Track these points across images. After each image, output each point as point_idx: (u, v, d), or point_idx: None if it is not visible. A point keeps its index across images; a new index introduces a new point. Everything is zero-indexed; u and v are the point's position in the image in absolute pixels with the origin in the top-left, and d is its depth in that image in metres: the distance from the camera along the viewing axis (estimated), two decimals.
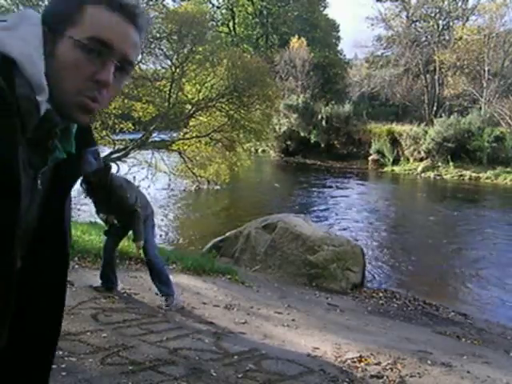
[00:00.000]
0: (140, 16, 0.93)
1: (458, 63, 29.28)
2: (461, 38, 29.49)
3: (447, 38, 31.89)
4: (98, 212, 4.83)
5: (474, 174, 23.06)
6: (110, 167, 4.60)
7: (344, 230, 12.66)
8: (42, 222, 1.00)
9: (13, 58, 0.82)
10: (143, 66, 16.59)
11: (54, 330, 1.08)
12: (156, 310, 4.54)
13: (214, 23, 35.78)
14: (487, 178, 22.55)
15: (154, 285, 4.74)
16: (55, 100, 0.87)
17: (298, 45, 32.88)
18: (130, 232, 4.87)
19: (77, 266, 5.36)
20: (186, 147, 16.33)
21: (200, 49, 15.82)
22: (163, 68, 17.13)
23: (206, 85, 16.25)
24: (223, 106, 16.20)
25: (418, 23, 33.94)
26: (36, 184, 0.93)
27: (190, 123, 17.07)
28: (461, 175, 23.30)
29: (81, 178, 1.11)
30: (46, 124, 0.87)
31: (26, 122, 0.84)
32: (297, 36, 33.67)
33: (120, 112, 15.96)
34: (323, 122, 29.24)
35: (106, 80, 0.88)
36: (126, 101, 15.86)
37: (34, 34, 0.86)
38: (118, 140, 16.41)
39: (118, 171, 15.77)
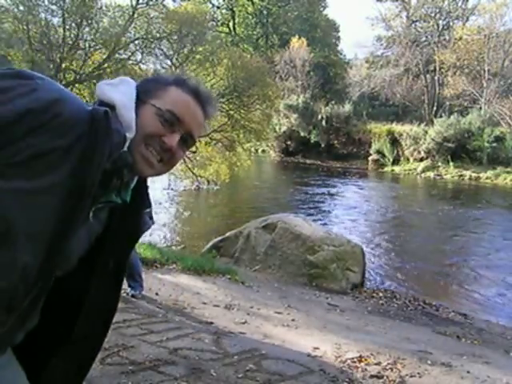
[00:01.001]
0: (209, 104, 1.18)
1: (458, 63, 29.29)
2: (461, 38, 29.50)
3: (447, 37, 31.90)
4: None
5: (474, 174, 23.06)
6: None
7: (344, 230, 12.66)
8: (96, 273, 1.15)
9: (114, 103, 1.05)
10: (143, 66, 16.60)
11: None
12: (156, 310, 4.54)
13: (214, 23, 35.76)
14: (487, 178, 22.55)
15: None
16: (129, 148, 1.06)
17: (298, 45, 32.88)
18: None
19: None
20: None
21: (200, 49, 15.82)
22: (163, 68, 17.13)
23: (205, 85, 16.24)
24: (223, 105, 16.18)
25: (418, 23, 33.96)
26: (88, 214, 1.04)
27: None
28: (461, 175, 23.30)
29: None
30: (121, 161, 1.04)
31: (112, 152, 1.01)
32: (297, 36, 33.67)
33: None
34: (323, 122, 29.25)
35: (171, 144, 1.09)
36: None
37: (130, 91, 1.10)
38: None
39: None
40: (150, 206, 1.20)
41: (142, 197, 1.17)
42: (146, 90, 1.12)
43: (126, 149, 1.05)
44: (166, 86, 1.13)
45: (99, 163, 0.98)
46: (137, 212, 1.16)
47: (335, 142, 29.65)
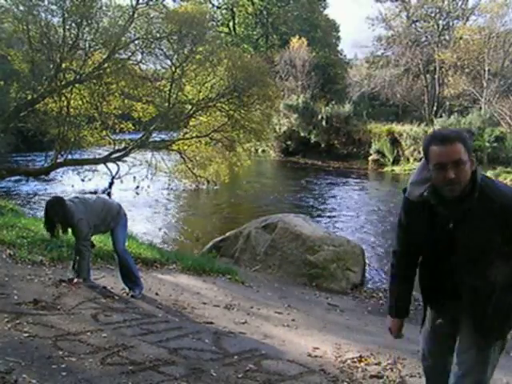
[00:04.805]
0: (447, 140, 1.95)
1: (459, 63, 29.23)
2: (461, 38, 29.45)
3: (447, 37, 31.85)
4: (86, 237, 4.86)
5: None
6: (60, 201, 4.67)
7: (344, 229, 12.66)
8: None
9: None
10: (143, 66, 16.61)
11: None
12: (156, 310, 4.54)
13: (214, 23, 35.75)
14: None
15: (120, 276, 5.02)
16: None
17: (298, 45, 32.83)
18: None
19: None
20: (185, 147, 16.33)
21: (200, 49, 15.83)
22: (163, 68, 17.14)
23: (206, 85, 16.25)
24: (223, 105, 16.20)
25: (418, 23, 33.90)
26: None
27: (190, 123, 17.07)
28: None
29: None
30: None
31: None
32: (297, 36, 33.63)
33: (120, 112, 15.99)
34: (323, 122, 29.22)
35: (450, 177, 1.93)
36: (126, 101, 15.88)
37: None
38: (117, 140, 16.41)
39: (118, 171, 15.81)
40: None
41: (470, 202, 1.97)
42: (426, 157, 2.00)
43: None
44: (427, 148, 1.99)
45: None
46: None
47: (335, 142, 29.61)
